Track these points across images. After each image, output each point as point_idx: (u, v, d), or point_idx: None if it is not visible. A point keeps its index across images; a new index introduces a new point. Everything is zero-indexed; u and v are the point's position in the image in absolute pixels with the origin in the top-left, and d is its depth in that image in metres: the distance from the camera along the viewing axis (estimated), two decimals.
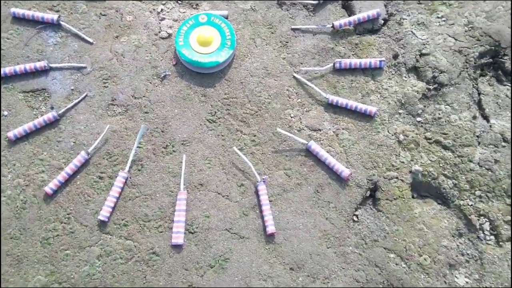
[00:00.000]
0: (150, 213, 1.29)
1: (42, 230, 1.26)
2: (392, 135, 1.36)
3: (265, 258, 1.24)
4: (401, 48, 1.44)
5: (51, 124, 1.37)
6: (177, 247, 1.26)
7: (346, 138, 1.36)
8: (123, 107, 1.41)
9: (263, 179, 1.31)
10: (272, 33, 1.49)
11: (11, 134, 1.33)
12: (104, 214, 1.28)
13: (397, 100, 1.39)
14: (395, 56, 1.43)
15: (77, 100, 1.40)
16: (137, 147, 1.35)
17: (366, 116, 1.38)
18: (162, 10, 1.51)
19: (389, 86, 1.41)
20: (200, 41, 1.43)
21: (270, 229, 1.26)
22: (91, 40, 1.47)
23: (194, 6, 1.53)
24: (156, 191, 1.32)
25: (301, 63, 1.45)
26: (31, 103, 1.40)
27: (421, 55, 1.41)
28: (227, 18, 1.49)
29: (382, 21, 1.48)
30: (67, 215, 1.27)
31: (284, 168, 1.35)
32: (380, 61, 1.39)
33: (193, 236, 1.27)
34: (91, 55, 1.46)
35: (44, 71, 1.43)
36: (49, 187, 1.28)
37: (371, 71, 1.42)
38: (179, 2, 1.52)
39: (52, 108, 1.38)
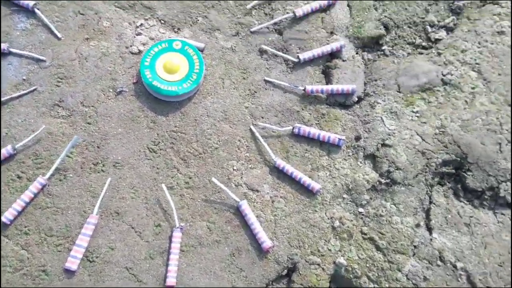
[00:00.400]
0: (55, 228, 1.22)
1: None
2: (328, 218, 1.28)
3: None
4: (366, 132, 1.37)
5: None
6: (69, 272, 1.18)
7: (281, 208, 1.28)
8: (68, 111, 1.35)
9: (181, 226, 1.24)
10: (243, 78, 1.43)
11: None
12: (7, 216, 1.21)
13: (345, 183, 1.31)
14: (357, 138, 1.36)
15: (24, 92, 1.35)
16: (66, 156, 1.29)
17: (308, 191, 1.30)
18: (141, 24, 1.46)
19: (341, 167, 1.33)
20: (166, 67, 1.37)
21: (170, 281, 1.18)
22: (59, 35, 1.42)
23: (176, 30, 1.48)
24: (69, 206, 1.25)
25: (262, 117, 1.38)
26: None
27: (383, 145, 1.33)
28: (202, 51, 1.43)
29: (356, 99, 1.41)
30: None
31: (208, 220, 1.27)
32: (340, 139, 1.32)
33: (90, 265, 1.20)
34: (54, 50, 1.41)
35: (2, 54, 1.38)
36: None
37: (328, 146, 1.35)
38: (162, 22, 1.47)
39: None
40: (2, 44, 1.37)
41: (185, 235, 1.24)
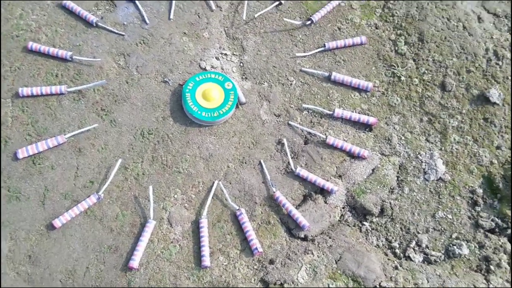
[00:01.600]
0: None
1: None
2: None
3: None
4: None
5: None
6: None
7: (167, 258, 1.38)
8: (125, 64, 1.61)
9: (99, 195, 1.41)
10: (249, 147, 1.55)
11: None
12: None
13: None
14: None
15: (115, 31, 1.65)
16: (92, 89, 1.55)
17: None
18: (226, 54, 1.67)
19: None
20: (204, 94, 1.55)
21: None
22: (172, 16, 1.69)
23: (243, 77, 1.65)
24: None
25: (227, 186, 1.49)
26: None
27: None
28: (240, 104, 1.59)
29: None
30: None
31: (120, 209, 1.42)
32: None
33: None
34: (157, 26, 1.69)
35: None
36: None
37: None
38: (241, 64, 1.66)
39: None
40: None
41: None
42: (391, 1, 1.73)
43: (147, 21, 1.68)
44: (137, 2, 1.70)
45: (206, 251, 1.37)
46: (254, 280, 1.38)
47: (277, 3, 1.72)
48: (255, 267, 1.40)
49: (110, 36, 1.66)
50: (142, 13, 1.69)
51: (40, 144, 1.47)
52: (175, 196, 1.47)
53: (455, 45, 1.65)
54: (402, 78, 1.63)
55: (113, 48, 1.64)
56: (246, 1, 1.72)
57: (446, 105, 1.59)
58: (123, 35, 1.66)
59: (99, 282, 1.35)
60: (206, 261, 1.36)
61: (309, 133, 1.56)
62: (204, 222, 1.41)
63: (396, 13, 1.71)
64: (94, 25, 1.65)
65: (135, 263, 1.35)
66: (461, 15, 1.69)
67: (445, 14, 1.69)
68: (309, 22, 1.70)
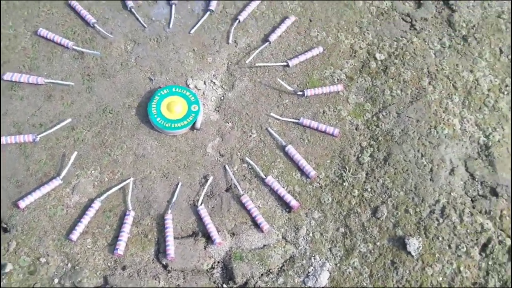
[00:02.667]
0: None
1: None
2: None
3: None
4: None
5: None
6: None
7: None
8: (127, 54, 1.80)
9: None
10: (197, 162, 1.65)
11: None
12: None
13: None
14: None
15: (138, 18, 1.85)
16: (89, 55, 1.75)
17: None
18: (215, 83, 1.79)
19: None
20: (169, 104, 1.68)
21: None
22: (192, 32, 1.86)
23: (217, 109, 1.75)
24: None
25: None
26: None
27: None
28: (194, 129, 1.70)
29: None
30: None
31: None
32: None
33: None
34: (172, 34, 1.86)
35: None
36: None
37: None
38: (222, 98, 1.77)
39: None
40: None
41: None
42: (382, 113, 1.72)
43: (171, 26, 1.86)
44: (173, 7, 1.88)
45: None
46: (99, 273, 1.47)
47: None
48: (108, 264, 1.49)
49: (135, 23, 1.86)
50: (171, 18, 1.87)
51: (24, 76, 1.70)
52: (92, 172, 1.61)
53: (410, 181, 1.60)
54: (346, 183, 1.62)
55: (130, 33, 1.84)
56: (257, 49, 1.82)
57: (367, 229, 1.55)
58: (145, 27, 1.85)
59: None
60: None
61: (234, 183, 1.61)
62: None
63: (381, 125, 1.70)
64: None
65: (23, 204, 1.51)
66: (436, 159, 1.63)
67: (422, 150, 1.65)
68: (300, 93, 1.75)
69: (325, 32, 1.87)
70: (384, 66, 1.80)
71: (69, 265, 1.48)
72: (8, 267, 1.45)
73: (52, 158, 1.62)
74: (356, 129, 1.71)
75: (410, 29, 1.88)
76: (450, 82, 1.77)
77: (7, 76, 1.70)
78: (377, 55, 1.82)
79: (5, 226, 1.51)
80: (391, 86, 1.76)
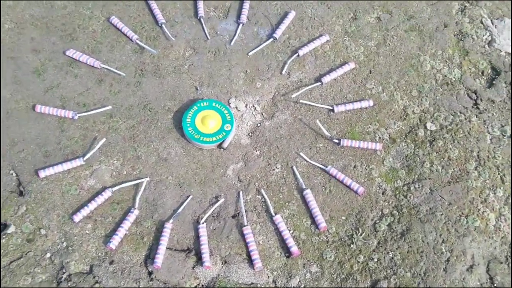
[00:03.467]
0: None
1: None
2: None
3: None
4: None
5: None
6: None
7: None
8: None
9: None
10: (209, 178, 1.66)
11: None
12: None
13: None
14: None
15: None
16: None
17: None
18: (256, 109, 1.78)
19: None
20: (204, 117, 1.70)
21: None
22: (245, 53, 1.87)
23: (250, 134, 1.74)
24: None
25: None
26: None
27: None
28: (221, 147, 1.70)
29: None
30: None
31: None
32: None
33: None
34: (217, 48, 1.88)
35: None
36: None
37: None
38: (258, 125, 1.76)
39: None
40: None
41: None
42: (415, 185, 1.62)
43: (232, 43, 1.88)
44: (240, 26, 1.91)
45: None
46: (87, 261, 1.51)
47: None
48: (99, 254, 1.52)
49: (200, 32, 1.90)
50: (234, 36, 1.90)
51: (84, 57, 1.80)
52: (115, 161, 1.66)
53: (422, 265, 1.49)
54: (353, 246, 1.54)
55: (192, 41, 1.88)
56: (308, 87, 1.79)
57: None
58: (208, 38, 1.89)
59: (23, 164, 1.62)
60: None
61: (242, 212, 1.59)
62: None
63: (409, 197, 1.61)
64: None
65: (43, 174, 1.59)
66: (457, 250, 1.51)
67: (445, 236, 1.53)
68: (336, 141, 1.70)
69: (381, 87, 1.80)
70: (432, 137, 1.70)
71: (64, 244, 1.53)
72: (11, 229, 1.53)
73: (84, 139, 1.69)
74: (382, 194, 1.63)
75: (472, 107, 1.76)
76: (499, 174, 1.63)
77: (69, 52, 1.81)
78: (428, 125, 1.72)
79: (22, 189, 1.60)
80: (433, 160, 1.66)
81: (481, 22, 1.91)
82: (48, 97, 1.75)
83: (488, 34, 1.88)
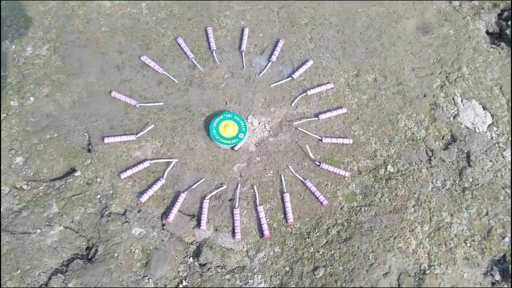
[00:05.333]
0: None
1: None
2: None
3: None
4: None
5: None
6: None
7: None
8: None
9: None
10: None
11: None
12: None
13: None
14: None
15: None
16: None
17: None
18: (266, 127, 2.40)
19: None
20: (226, 125, 2.33)
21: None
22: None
23: (257, 145, 2.36)
24: None
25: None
26: None
27: None
28: (233, 149, 2.33)
29: None
30: None
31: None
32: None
33: None
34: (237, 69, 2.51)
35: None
36: None
37: None
38: (264, 139, 2.38)
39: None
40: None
41: None
42: (365, 208, 2.19)
43: (260, 75, 2.51)
44: (269, 64, 2.53)
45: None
46: (124, 206, 2.17)
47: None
48: (132, 204, 2.18)
49: (239, 62, 2.54)
50: (264, 70, 2.52)
51: (152, 63, 2.47)
52: (156, 143, 2.32)
53: (352, 263, 2.06)
54: (308, 240, 2.13)
55: (232, 67, 2.52)
56: (307, 119, 2.39)
57: (303, 278, 2.05)
58: (243, 67, 2.53)
59: (94, 130, 2.31)
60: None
61: (236, 198, 2.21)
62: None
63: (358, 215, 2.18)
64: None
65: (106, 140, 2.27)
66: (380, 259, 2.07)
67: (374, 247, 2.09)
68: (318, 163, 2.29)
69: (362, 131, 2.38)
70: (389, 176, 2.26)
71: (111, 191, 2.20)
72: (78, 173, 2.21)
73: (139, 121, 2.36)
74: (340, 209, 2.21)
75: (426, 161, 2.31)
76: (429, 214, 2.18)
77: (143, 58, 2.49)
78: (389, 167, 2.28)
79: (90, 148, 2.28)
80: (384, 193, 2.22)
81: (453, 99, 2.45)
82: (122, 87, 2.43)
83: (455, 109, 2.42)
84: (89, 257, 2.07)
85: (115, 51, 2.52)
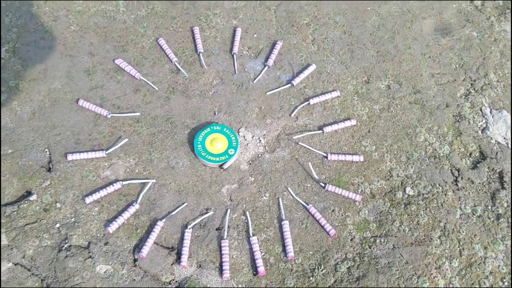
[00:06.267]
0: None
1: None
2: None
3: None
4: None
5: None
6: None
7: None
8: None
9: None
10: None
11: None
12: None
13: None
14: None
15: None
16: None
17: None
18: (260, 141, 2.03)
19: None
20: (214, 139, 1.96)
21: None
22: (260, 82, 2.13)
23: (249, 162, 1.99)
24: None
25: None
26: None
27: None
28: (222, 168, 1.95)
29: None
30: None
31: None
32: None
33: None
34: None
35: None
36: None
37: None
38: (259, 156, 2.01)
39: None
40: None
41: None
42: (381, 239, 1.81)
43: (255, 81, 2.15)
44: (265, 68, 2.18)
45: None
46: (87, 237, 1.78)
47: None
48: (98, 234, 1.79)
49: (230, 66, 2.18)
50: (259, 75, 2.16)
51: (128, 67, 2.11)
52: (131, 160, 1.95)
53: None
54: (312, 279, 1.75)
55: (222, 72, 2.17)
56: (310, 132, 2.03)
57: None
58: (235, 72, 2.17)
59: (57, 146, 1.93)
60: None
61: (224, 227, 1.83)
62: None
63: (373, 248, 1.80)
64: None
65: (70, 157, 1.89)
66: None
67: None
68: (323, 184, 1.92)
69: (375, 146, 2.01)
70: (408, 201, 1.89)
71: (73, 219, 1.81)
72: (33, 197, 1.83)
73: (111, 135, 1.99)
74: (350, 240, 1.83)
75: (452, 183, 1.94)
76: (459, 247, 1.80)
77: (118, 61, 2.13)
78: (408, 189, 1.91)
79: (51, 166, 1.90)
80: (403, 221, 1.85)
81: (480, 110, 2.09)
82: (91, 95, 2.06)
83: (484, 121, 2.06)
84: None
85: (85, 53, 2.16)
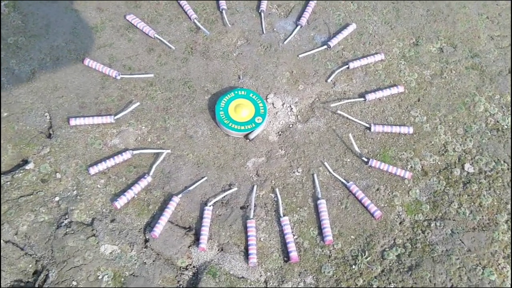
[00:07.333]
0: None
1: None
2: None
3: None
4: None
5: None
6: None
7: None
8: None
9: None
10: None
11: None
12: None
13: None
14: None
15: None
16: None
17: None
18: (292, 109, 1.75)
19: None
20: (238, 106, 1.69)
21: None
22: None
23: (279, 133, 1.72)
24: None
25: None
26: None
27: None
28: (247, 138, 1.68)
29: None
30: None
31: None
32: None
33: None
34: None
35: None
36: None
37: None
38: (290, 126, 1.73)
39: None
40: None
41: None
42: (436, 223, 1.52)
43: (285, 42, 1.87)
44: (298, 28, 1.89)
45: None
46: (90, 213, 1.52)
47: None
48: (103, 210, 1.53)
49: (258, 26, 1.91)
50: (290, 36, 1.88)
51: (141, 24, 1.85)
52: (143, 127, 1.68)
53: None
54: (355, 267, 1.46)
55: (247, 31, 1.89)
56: (350, 100, 1.74)
57: None
58: (263, 32, 1.89)
59: (58, 109, 1.68)
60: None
61: (250, 206, 1.56)
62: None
63: (427, 233, 1.51)
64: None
65: (73, 122, 1.64)
66: None
67: (456, 282, 1.42)
68: (365, 159, 1.63)
69: (426, 117, 1.72)
70: (468, 179, 1.60)
71: (75, 192, 1.55)
72: (30, 166, 1.57)
73: (121, 99, 1.73)
74: (399, 223, 1.54)
75: None
76: None
77: (129, 17, 1.87)
78: (467, 166, 1.62)
79: (51, 132, 1.65)
80: (463, 202, 1.55)
81: None
82: (99, 54, 1.80)
83: None
84: (36, 286, 1.42)
85: (93, 7, 1.90)
